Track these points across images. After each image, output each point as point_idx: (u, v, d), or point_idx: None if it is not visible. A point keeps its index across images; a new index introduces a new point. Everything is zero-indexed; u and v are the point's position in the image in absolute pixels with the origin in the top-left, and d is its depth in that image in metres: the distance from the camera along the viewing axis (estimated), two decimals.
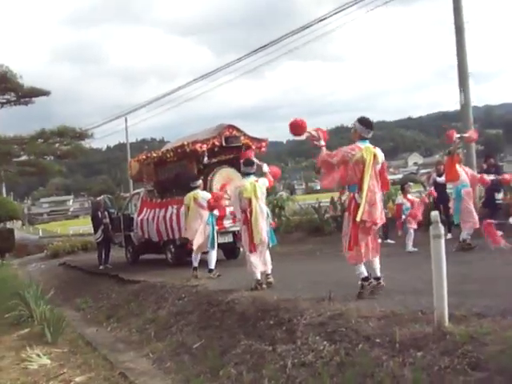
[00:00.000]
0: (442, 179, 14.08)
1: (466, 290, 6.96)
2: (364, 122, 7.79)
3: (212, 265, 11.92)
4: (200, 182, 12.57)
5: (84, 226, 46.42)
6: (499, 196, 13.94)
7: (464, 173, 12.06)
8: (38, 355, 8.84)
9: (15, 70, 35.15)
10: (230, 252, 15.28)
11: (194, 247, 12.00)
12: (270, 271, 9.59)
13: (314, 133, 7.97)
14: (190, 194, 12.15)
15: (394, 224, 14.11)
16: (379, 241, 8.11)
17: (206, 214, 11.97)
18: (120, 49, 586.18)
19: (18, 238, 40.04)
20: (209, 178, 14.08)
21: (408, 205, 13.88)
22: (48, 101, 38.77)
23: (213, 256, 12.00)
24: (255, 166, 10.15)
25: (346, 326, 6.13)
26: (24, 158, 38.40)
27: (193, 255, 12.17)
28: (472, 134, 13.13)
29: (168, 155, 15.25)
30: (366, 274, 7.73)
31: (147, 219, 16.00)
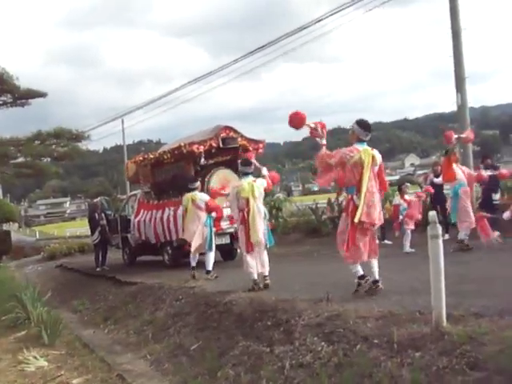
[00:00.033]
0: (439, 180, 14.09)
1: (463, 290, 6.95)
2: (362, 124, 7.80)
3: (209, 266, 11.91)
4: (198, 183, 12.57)
5: (81, 227, 46.41)
6: (496, 197, 13.95)
7: (461, 172, 12.08)
8: (35, 357, 8.82)
9: (11, 72, 35.04)
10: (228, 253, 15.27)
11: (192, 249, 11.99)
12: (267, 273, 9.55)
13: (313, 126, 7.96)
14: (188, 196, 12.14)
15: (391, 225, 14.11)
16: (377, 242, 8.10)
17: (203, 215, 11.95)
18: (116, 51, 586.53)
19: (15, 240, 39.98)
20: (206, 180, 14.07)
21: (405, 205, 13.88)
22: (44, 102, 38.71)
23: (210, 257, 11.99)
24: (253, 166, 10.14)
25: (343, 326, 6.12)
26: (21, 159, 38.29)
27: (191, 256, 12.16)
28: (469, 134, 13.15)
29: (165, 157, 15.23)
30: (361, 272, 7.77)
31: (144, 221, 15.98)
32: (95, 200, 20.36)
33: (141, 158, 16.58)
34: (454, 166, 11.96)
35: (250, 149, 14.86)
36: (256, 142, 15.27)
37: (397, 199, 14.27)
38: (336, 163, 7.71)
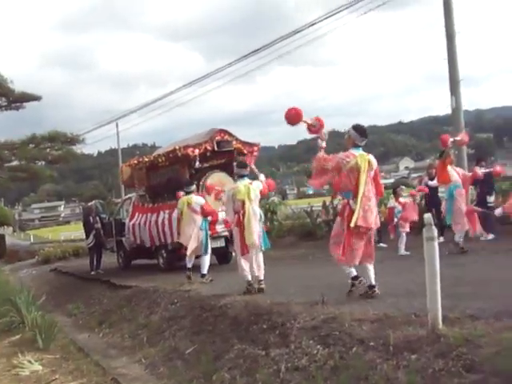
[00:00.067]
0: (433, 183, 14.11)
1: (459, 293, 6.96)
2: (359, 129, 7.81)
3: (205, 270, 11.89)
4: (194, 186, 12.56)
5: (75, 231, 46.28)
6: (491, 199, 13.98)
7: (456, 173, 12.08)
8: (30, 361, 8.78)
9: (6, 75, 35.01)
10: (223, 257, 15.24)
11: (188, 252, 11.97)
12: (262, 277, 9.50)
13: (310, 122, 7.94)
14: (184, 199, 12.12)
15: (387, 227, 14.12)
16: (373, 246, 8.09)
17: (199, 219, 11.94)
18: (111, 54, 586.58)
19: (9, 244, 39.91)
20: (201, 183, 14.04)
21: (400, 208, 13.90)
22: (39, 106, 38.66)
23: (206, 261, 11.97)
24: (249, 169, 10.13)
25: (339, 329, 6.11)
26: (15, 163, 38.22)
27: (187, 258, 12.14)
28: (464, 136, 13.16)
29: (160, 160, 15.21)
30: (355, 273, 7.79)
31: (139, 224, 15.95)
32: (90, 203, 20.31)
33: (135, 162, 16.54)
34: (449, 167, 11.97)
35: (245, 152, 14.87)
36: (251, 145, 15.27)
37: (391, 202, 14.29)
38: (332, 168, 7.71)
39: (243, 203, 9.42)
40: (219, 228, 14.00)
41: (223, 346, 7.49)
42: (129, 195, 19.31)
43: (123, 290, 13.00)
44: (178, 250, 13.64)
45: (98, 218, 17.86)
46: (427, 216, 5.55)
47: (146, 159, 16.04)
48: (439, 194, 15.01)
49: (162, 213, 14.98)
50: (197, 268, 12.11)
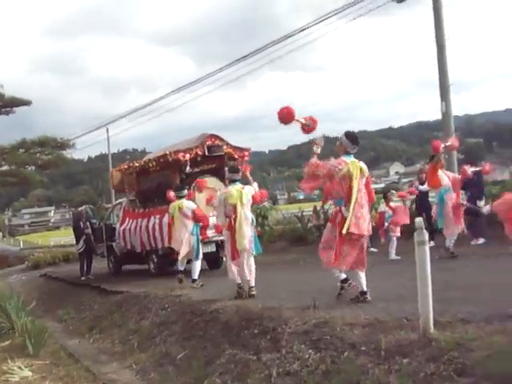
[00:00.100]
0: (424, 187, 14.15)
1: (449, 297, 6.97)
2: (350, 136, 7.83)
3: (195, 275, 11.86)
4: (185, 191, 12.53)
5: (65, 236, 46.08)
6: (481, 203, 14.02)
7: (446, 177, 12.11)
8: (20, 367, 8.72)
9: None
10: (213, 262, 15.19)
11: (180, 257, 11.96)
12: (253, 283, 9.48)
13: (303, 121, 7.94)
14: (175, 204, 12.10)
15: (377, 232, 14.14)
16: (365, 253, 8.09)
17: (190, 224, 11.92)
18: (101, 60, 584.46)
19: None
20: (191, 188, 14.01)
21: (390, 213, 13.93)
22: (29, 111, 38.50)
23: (197, 266, 11.94)
24: (241, 173, 10.13)
25: (331, 333, 6.10)
26: (5, 168, 38.03)
27: (178, 262, 12.13)
28: (454, 141, 13.20)
29: (150, 165, 15.19)
30: (344, 275, 7.80)
31: (129, 229, 15.91)
32: (80, 208, 20.22)
33: (126, 167, 16.52)
34: (440, 172, 12.00)
35: (236, 157, 14.89)
36: (241, 150, 15.27)
37: (382, 207, 14.33)
38: (324, 175, 7.73)
39: (235, 208, 9.41)
40: (210, 233, 13.97)
41: (214, 351, 7.47)
42: (119, 200, 19.26)
43: (114, 295, 12.95)
44: (169, 255, 13.62)
45: (88, 223, 17.78)
46: (418, 220, 5.57)
47: (137, 164, 16.01)
48: (430, 199, 15.04)
49: (152, 218, 14.95)
50: (188, 273, 12.08)
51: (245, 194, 9.58)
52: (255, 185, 10.27)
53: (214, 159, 14.79)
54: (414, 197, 15.40)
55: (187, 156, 14.16)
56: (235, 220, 9.37)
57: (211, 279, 12.58)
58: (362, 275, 7.73)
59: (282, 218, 24.17)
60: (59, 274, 20.89)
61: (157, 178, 15.37)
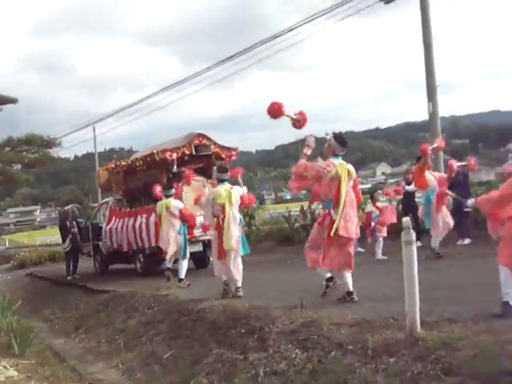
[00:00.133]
0: (410, 187, 14.18)
1: (435, 297, 7.00)
2: (339, 139, 7.86)
3: (182, 274, 11.84)
4: (173, 190, 12.50)
5: (51, 236, 45.83)
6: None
7: (433, 178, 12.16)
8: (5, 367, 8.65)
9: None
10: (200, 261, 15.17)
11: (168, 256, 11.95)
12: (240, 284, 9.47)
13: (293, 116, 7.94)
14: (163, 203, 12.08)
15: (364, 232, 14.16)
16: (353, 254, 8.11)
17: (177, 223, 11.91)
18: (88, 58, 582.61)
19: None
20: (180, 182, 13.96)
21: (377, 213, 13.96)
22: (15, 109, 38.19)
23: (183, 265, 11.93)
24: (229, 173, 10.11)
25: (318, 333, 6.11)
26: None
27: (166, 260, 12.12)
28: (440, 142, 13.27)
29: (137, 164, 15.13)
30: (329, 274, 7.83)
31: (116, 228, 15.84)
32: (66, 207, 20.13)
33: (113, 165, 16.46)
34: (427, 172, 12.06)
35: (223, 156, 14.89)
36: (229, 149, 15.26)
37: (369, 207, 14.34)
38: (312, 177, 7.73)
39: (223, 208, 9.40)
40: (197, 232, 13.94)
41: (201, 351, 7.45)
42: (106, 199, 19.20)
43: (100, 294, 12.90)
44: (156, 254, 13.60)
45: (74, 223, 17.70)
46: (406, 220, 5.58)
47: (124, 163, 15.95)
48: (416, 199, 15.08)
49: (139, 217, 14.89)
50: (175, 272, 12.06)
51: (233, 193, 9.57)
52: (245, 189, 10.27)
53: (202, 158, 14.77)
54: (400, 197, 15.45)
55: (174, 155, 14.13)
56: (223, 220, 9.36)
57: (198, 279, 12.57)
58: (349, 275, 7.75)
59: (268, 217, 24.17)
60: (45, 273, 20.80)
61: (144, 177, 15.31)
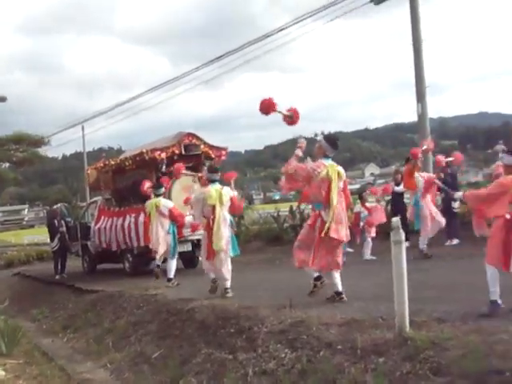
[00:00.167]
0: (399, 188, 14.23)
1: (424, 297, 7.04)
2: (330, 140, 7.87)
3: (171, 274, 11.82)
4: (163, 189, 12.48)
5: (39, 235, 45.60)
6: (456, 204, 14.15)
7: (422, 179, 12.23)
8: None
9: None
10: (189, 261, 15.15)
11: (158, 255, 11.94)
12: (228, 285, 9.49)
13: (285, 112, 7.93)
14: (152, 202, 12.05)
15: (352, 232, 14.19)
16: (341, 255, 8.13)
17: (166, 222, 11.89)
18: (77, 58, 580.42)
19: None
20: (168, 187, 13.94)
21: (366, 213, 13.99)
22: (3, 109, 38.10)
23: (172, 265, 11.92)
24: (219, 173, 10.10)
25: (307, 333, 6.11)
26: None
27: (156, 258, 12.11)
28: (429, 143, 13.34)
29: (126, 163, 15.10)
30: (317, 273, 7.84)
31: (105, 228, 15.78)
32: (55, 207, 20.05)
33: (102, 165, 16.42)
34: (416, 174, 12.14)
35: (213, 156, 14.87)
36: (218, 149, 15.25)
37: (358, 207, 14.36)
38: (303, 178, 7.74)
39: (214, 208, 9.38)
40: (186, 232, 13.92)
41: (190, 351, 7.44)
42: (94, 198, 19.13)
43: (88, 294, 12.86)
44: (145, 254, 13.57)
45: (62, 222, 17.63)
46: (395, 220, 5.59)
47: (113, 162, 15.92)
48: (405, 200, 15.13)
49: (128, 216, 14.83)
50: (164, 271, 12.05)
51: (224, 194, 9.56)
52: (236, 193, 10.30)
53: (191, 158, 14.74)
54: (389, 197, 15.49)
55: (164, 155, 14.12)
56: (213, 221, 9.34)
57: (187, 278, 12.57)
58: (337, 276, 7.77)
59: (258, 217, 24.17)
60: (33, 272, 20.69)
61: (133, 177, 15.26)
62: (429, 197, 12.27)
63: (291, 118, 7.95)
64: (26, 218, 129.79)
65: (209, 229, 9.40)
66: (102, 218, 16.29)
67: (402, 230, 5.52)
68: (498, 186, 6.36)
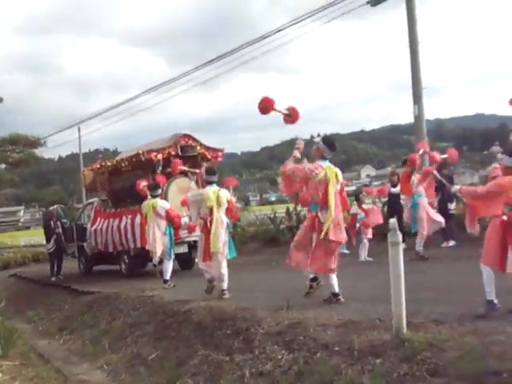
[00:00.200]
0: (396, 190, 14.23)
1: (421, 298, 7.02)
2: (328, 142, 7.86)
3: (167, 275, 11.80)
4: (160, 190, 12.47)
5: (35, 236, 45.51)
6: (452, 206, 14.17)
7: (417, 181, 12.23)
8: None
9: None
10: (185, 262, 15.12)
11: (156, 256, 11.93)
12: (225, 286, 9.46)
13: (284, 111, 7.93)
14: (149, 203, 12.03)
15: (348, 234, 14.19)
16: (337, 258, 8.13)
17: (163, 223, 11.88)
18: (74, 59, 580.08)
19: None
20: (164, 188, 13.92)
21: (362, 214, 13.99)
22: (0, 109, 37.97)
23: (168, 266, 11.89)
24: (217, 175, 10.09)
25: (304, 334, 6.11)
26: None
27: (154, 260, 12.11)
28: (426, 147, 13.34)
29: (123, 164, 15.07)
30: (312, 274, 7.85)
31: (101, 229, 15.74)
32: (51, 208, 20.01)
33: (98, 166, 16.39)
34: (412, 177, 12.16)
35: (209, 157, 14.86)
36: (215, 150, 15.24)
37: (354, 208, 14.36)
38: (300, 179, 7.74)
39: (211, 210, 9.36)
40: (182, 233, 13.89)
41: (187, 352, 7.43)
42: (91, 200, 19.12)
43: (85, 295, 12.83)
44: (141, 255, 13.55)
45: (59, 223, 17.60)
46: (392, 221, 5.60)
47: (109, 163, 15.89)
48: (401, 202, 15.14)
49: (124, 218, 14.80)
50: (160, 273, 12.04)
51: (221, 196, 9.55)
52: (233, 199, 10.30)
53: (187, 159, 14.71)
54: (385, 199, 15.49)
55: (160, 156, 14.09)
56: (211, 223, 9.31)
57: (183, 279, 12.56)
58: (334, 277, 7.77)
59: (254, 219, 24.14)
60: (29, 274, 20.65)
61: (129, 178, 15.21)
62: (426, 199, 12.26)
63: (290, 117, 7.95)
64: (21, 220, 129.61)
65: (206, 230, 9.38)
66: (99, 219, 16.26)
67: (399, 232, 5.52)
68: (496, 185, 6.37)
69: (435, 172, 12.12)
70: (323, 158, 7.73)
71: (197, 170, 13.86)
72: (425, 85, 18.18)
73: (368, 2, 18.78)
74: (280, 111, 7.88)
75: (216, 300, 9.03)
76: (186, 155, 14.58)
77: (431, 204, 12.62)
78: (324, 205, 7.52)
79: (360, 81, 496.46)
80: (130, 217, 14.47)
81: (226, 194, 9.74)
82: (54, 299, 14.24)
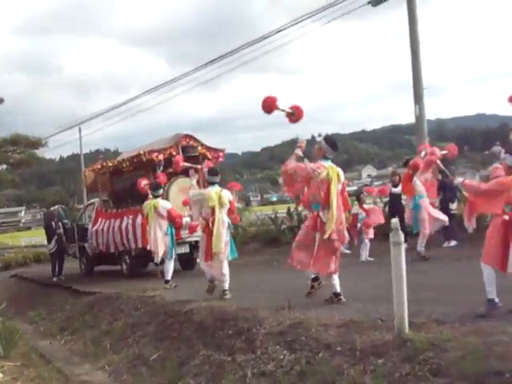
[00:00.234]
0: (397, 190, 14.22)
1: (422, 298, 7.02)
2: (330, 142, 7.85)
3: (169, 276, 11.79)
4: (161, 190, 12.46)
5: (36, 237, 45.52)
6: (453, 206, 14.16)
7: (420, 183, 12.20)
8: None
9: None
10: (187, 263, 15.12)
11: (158, 257, 11.92)
12: (226, 286, 9.46)
13: (288, 110, 7.92)
14: (151, 203, 12.01)
15: (350, 233, 14.18)
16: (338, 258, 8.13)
17: (164, 223, 11.86)
18: (74, 59, 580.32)
19: None
20: (165, 188, 13.92)
21: (364, 214, 13.98)
22: (0, 110, 37.96)
23: (170, 267, 11.88)
24: (220, 176, 10.08)
25: (305, 334, 6.10)
26: None
27: (155, 259, 12.11)
28: (427, 149, 13.30)
29: (124, 165, 15.06)
30: (314, 274, 7.83)
31: (102, 230, 15.74)
32: (52, 208, 20.01)
33: (99, 166, 16.39)
34: (414, 178, 12.14)
35: (210, 157, 14.84)
36: (216, 150, 15.24)
37: (355, 208, 14.35)
38: (302, 178, 7.72)
39: (213, 211, 9.35)
40: (184, 234, 13.88)
41: (188, 352, 7.43)
42: (92, 200, 19.11)
43: (86, 296, 12.83)
44: (142, 256, 13.54)
45: (60, 224, 17.60)
46: (394, 221, 5.59)
47: (110, 164, 15.89)
48: (402, 202, 15.13)
49: (125, 218, 14.80)
50: (161, 273, 12.04)
51: (223, 196, 9.54)
52: (235, 204, 10.32)
53: (189, 160, 14.69)
54: (387, 199, 15.48)
55: (161, 156, 14.08)
56: (213, 223, 9.31)
57: (185, 280, 12.55)
58: (335, 277, 7.76)
59: (255, 219, 24.12)
60: (30, 274, 20.64)
61: (130, 178, 15.18)
62: (427, 200, 12.22)
63: (293, 115, 7.94)
64: (22, 220, 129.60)
65: (208, 231, 9.37)
66: (100, 219, 16.26)
67: (401, 232, 5.51)
68: (499, 184, 6.37)
69: (439, 162, 12.10)
70: (325, 158, 7.73)
71: (199, 166, 13.83)
72: (426, 85, 18.18)
73: (369, 2, 18.76)
74: (283, 110, 7.88)
75: (217, 300, 9.03)
76: (187, 155, 14.56)
77: (433, 204, 12.58)
78: (326, 204, 7.51)
79: (361, 81, 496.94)
80: (131, 217, 14.47)
81: (227, 195, 9.72)
82: (56, 300, 14.24)
